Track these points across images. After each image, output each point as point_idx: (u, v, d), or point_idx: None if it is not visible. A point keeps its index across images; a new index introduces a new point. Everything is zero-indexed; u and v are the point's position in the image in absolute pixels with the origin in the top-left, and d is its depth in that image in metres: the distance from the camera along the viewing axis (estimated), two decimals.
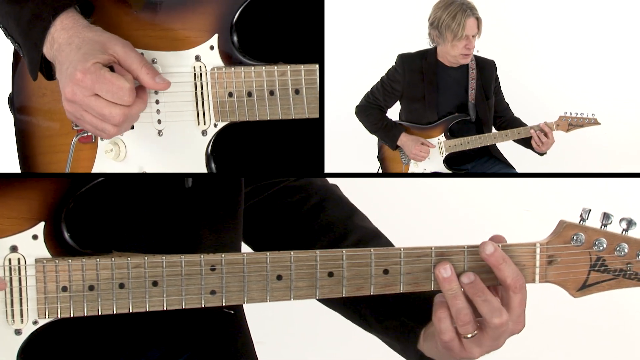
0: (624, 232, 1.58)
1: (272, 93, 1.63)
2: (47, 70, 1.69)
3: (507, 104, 3.18)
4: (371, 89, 3.12)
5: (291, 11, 1.71)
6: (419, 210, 3.39)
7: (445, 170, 3.09)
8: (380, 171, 3.21)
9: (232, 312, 1.72)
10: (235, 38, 1.64)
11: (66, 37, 1.62)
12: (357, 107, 3.14)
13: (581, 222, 1.58)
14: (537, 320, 1.67)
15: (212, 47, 1.66)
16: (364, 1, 3.52)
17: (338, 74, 3.08)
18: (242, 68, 1.64)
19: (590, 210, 1.58)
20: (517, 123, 3.13)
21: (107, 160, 1.76)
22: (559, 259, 1.58)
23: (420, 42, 3.09)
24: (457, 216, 3.40)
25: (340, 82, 3.10)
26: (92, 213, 1.54)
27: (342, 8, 3.31)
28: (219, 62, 1.66)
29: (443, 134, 3.07)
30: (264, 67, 1.63)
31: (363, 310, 1.76)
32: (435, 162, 3.09)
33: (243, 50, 1.65)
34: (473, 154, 3.14)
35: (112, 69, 1.60)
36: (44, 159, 1.85)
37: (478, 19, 2.94)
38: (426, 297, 1.62)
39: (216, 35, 1.65)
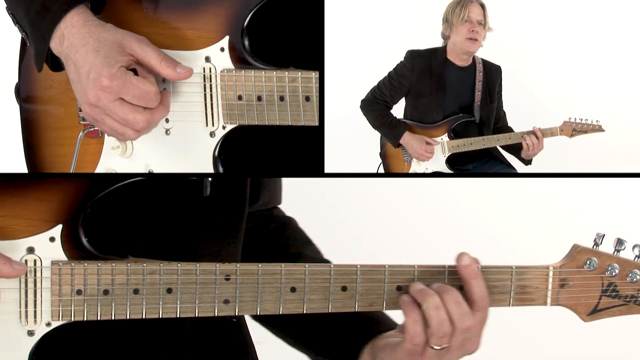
0: (636, 258, 1.59)
1: (282, 99, 1.62)
2: (53, 62, 1.68)
3: (504, 112, 3.21)
4: (378, 83, 3.11)
5: (303, 16, 1.70)
6: (419, 209, 3.39)
7: (448, 170, 3.09)
8: (381, 168, 3.20)
9: (235, 319, 1.72)
10: (246, 41, 1.63)
11: (79, 36, 1.60)
12: (363, 101, 3.13)
13: (594, 246, 1.59)
14: (547, 342, 1.69)
15: (222, 49, 1.64)
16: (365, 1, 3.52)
17: (338, 74, 3.08)
18: (253, 72, 1.63)
19: (604, 235, 1.59)
20: (510, 131, 3.17)
21: (113, 157, 1.76)
22: (571, 282, 1.58)
23: (420, 42, 3.10)
24: (457, 216, 3.40)
25: (340, 82, 3.10)
26: (110, 217, 1.53)
27: (343, 8, 3.31)
28: (229, 65, 1.65)
29: (446, 134, 3.08)
30: (274, 72, 1.62)
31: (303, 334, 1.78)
32: (438, 161, 3.09)
33: (254, 54, 1.63)
34: (474, 154, 3.15)
35: (134, 71, 1.59)
36: (49, 152, 1.84)
37: (482, 6, 2.99)
38: (369, 316, 1.65)
39: (227, 37, 1.64)
